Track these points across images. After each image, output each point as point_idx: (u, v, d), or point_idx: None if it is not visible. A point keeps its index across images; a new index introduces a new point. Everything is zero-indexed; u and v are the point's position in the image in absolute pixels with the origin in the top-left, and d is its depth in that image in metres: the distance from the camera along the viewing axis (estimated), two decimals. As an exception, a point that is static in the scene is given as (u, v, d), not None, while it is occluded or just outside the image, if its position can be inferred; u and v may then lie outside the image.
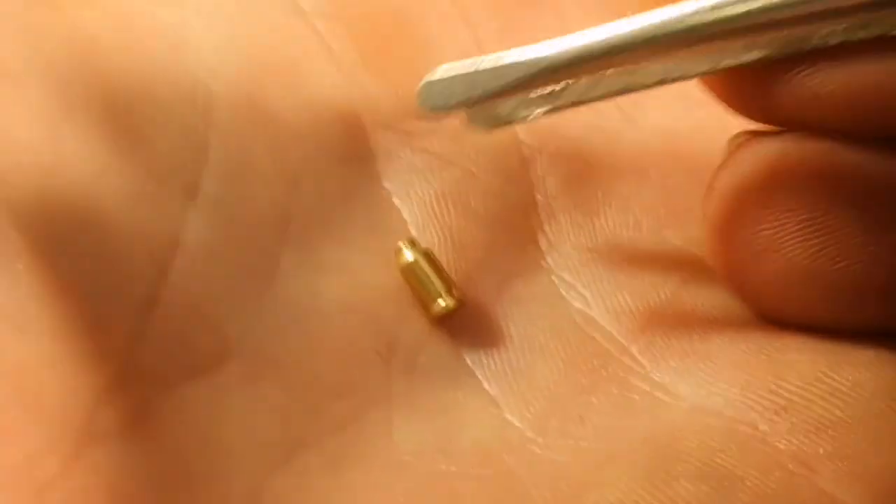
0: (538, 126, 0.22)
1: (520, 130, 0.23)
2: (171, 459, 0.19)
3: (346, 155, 0.22)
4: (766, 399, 0.20)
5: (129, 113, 0.21)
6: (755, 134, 0.20)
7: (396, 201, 0.22)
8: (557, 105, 0.20)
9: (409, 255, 0.21)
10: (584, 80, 0.20)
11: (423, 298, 0.21)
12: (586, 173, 0.23)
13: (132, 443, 0.19)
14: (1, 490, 0.18)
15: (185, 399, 0.19)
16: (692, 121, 0.23)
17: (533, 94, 0.20)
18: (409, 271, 0.21)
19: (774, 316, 0.21)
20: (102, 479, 0.18)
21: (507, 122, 0.20)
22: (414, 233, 0.22)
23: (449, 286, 0.21)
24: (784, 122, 0.20)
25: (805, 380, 0.20)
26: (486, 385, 0.21)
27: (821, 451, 0.19)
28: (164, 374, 0.20)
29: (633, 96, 0.20)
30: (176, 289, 0.20)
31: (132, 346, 0.19)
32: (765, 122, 0.20)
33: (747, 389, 0.20)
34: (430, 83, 0.20)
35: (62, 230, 0.20)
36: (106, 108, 0.21)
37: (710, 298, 0.21)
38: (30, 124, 0.20)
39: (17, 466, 0.18)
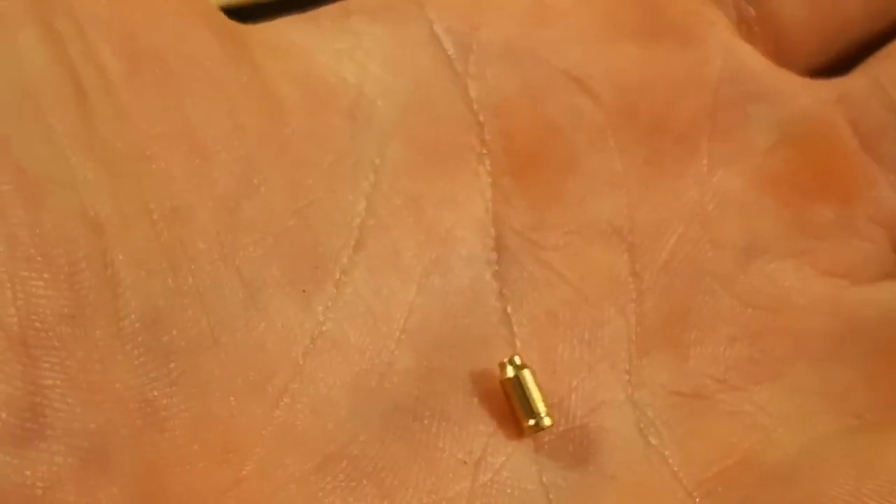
0: (655, 255, 0.24)
1: (634, 263, 0.24)
2: None
3: (474, 253, 0.23)
4: None
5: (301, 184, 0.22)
6: None
7: (510, 310, 0.23)
8: None
9: (511, 371, 0.22)
10: None
11: (518, 412, 0.22)
12: (685, 315, 0.24)
13: None
14: None
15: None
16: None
17: None
18: (509, 385, 0.22)
19: None
20: None
21: None
22: (519, 345, 0.23)
23: (545, 405, 0.22)
24: None
25: None
26: None
27: None
28: (273, 477, 0.20)
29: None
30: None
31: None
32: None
33: None
34: None
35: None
36: (285, 180, 0.22)
37: (779, 464, 0.22)
38: (206, 199, 0.21)
39: None
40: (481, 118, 0.24)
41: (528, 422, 0.22)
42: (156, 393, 0.20)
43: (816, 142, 0.25)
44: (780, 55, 0.26)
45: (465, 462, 0.22)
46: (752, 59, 0.26)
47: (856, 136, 0.25)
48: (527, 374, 0.22)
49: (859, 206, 0.25)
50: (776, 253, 0.24)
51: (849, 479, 0.22)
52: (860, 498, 0.21)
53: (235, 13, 0.24)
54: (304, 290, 0.21)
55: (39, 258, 0.19)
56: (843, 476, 0.22)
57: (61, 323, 0.19)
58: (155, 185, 0.20)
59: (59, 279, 0.19)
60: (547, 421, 0.22)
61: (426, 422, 0.22)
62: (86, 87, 0.20)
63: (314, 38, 0.24)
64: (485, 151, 0.24)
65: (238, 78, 0.22)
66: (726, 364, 0.23)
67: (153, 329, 0.20)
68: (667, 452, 0.23)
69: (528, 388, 0.22)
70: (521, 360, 0.22)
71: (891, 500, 0.21)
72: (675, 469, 0.22)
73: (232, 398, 0.20)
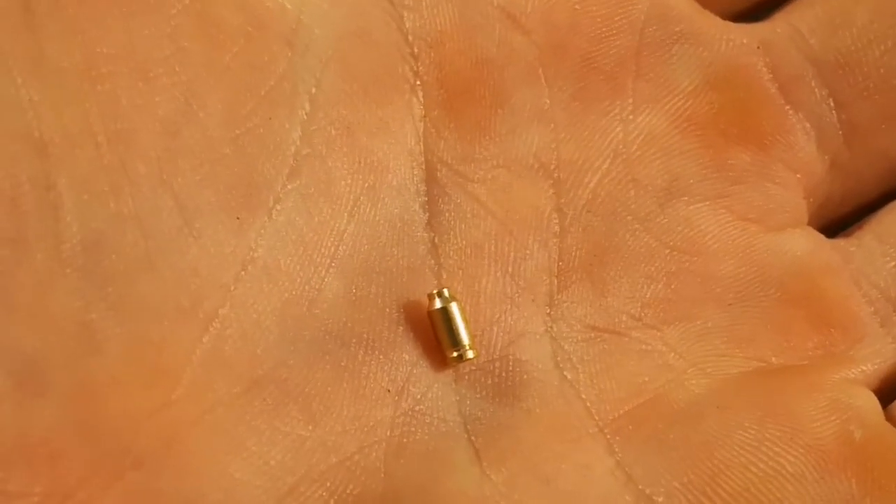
0: (579, 192, 0.24)
1: (558, 199, 0.24)
2: (191, 487, 0.20)
3: (404, 183, 0.23)
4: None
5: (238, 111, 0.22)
6: None
7: (437, 241, 0.23)
8: None
9: (439, 303, 0.23)
10: None
11: (443, 343, 0.23)
12: (605, 251, 0.24)
13: (164, 469, 0.20)
14: None
15: (212, 427, 0.21)
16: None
17: None
18: (437, 316, 0.23)
19: None
20: None
21: None
22: (444, 276, 0.23)
23: (469, 338, 0.23)
24: None
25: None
26: (473, 437, 0.22)
27: None
28: (202, 399, 0.21)
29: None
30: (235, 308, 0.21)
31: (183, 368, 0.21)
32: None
33: (688, 486, 0.22)
34: None
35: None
36: (223, 106, 0.22)
37: (688, 405, 0.23)
38: (148, 123, 0.21)
39: (68, 486, 0.19)
40: (416, 49, 0.24)
41: (451, 353, 0.23)
42: (93, 316, 0.20)
43: (737, 86, 0.26)
44: None
45: (388, 390, 0.22)
46: (678, 1, 0.26)
47: (774, 82, 0.26)
48: (454, 306, 0.23)
49: (775, 152, 0.26)
50: (694, 195, 0.25)
51: (753, 423, 0.23)
52: (763, 442, 0.22)
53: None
54: (237, 218, 0.21)
55: None
56: (747, 420, 0.23)
57: (3, 246, 0.19)
58: (99, 107, 0.20)
59: (2, 202, 0.19)
60: (470, 353, 0.23)
61: (353, 349, 0.22)
62: (33, 4, 0.20)
63: None
64: (418, 83, 0.24)
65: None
66: (642, 302, 0.24)
67: (93, 253, 0.20)
68: (581, 388, 0.23)
69: (454, 320, 0.23)
70: (450, 292, 0.23)
71: (792, 445, 0.22)
72: (588, 405, 0.23)
73: (164, 322, 0.20)
